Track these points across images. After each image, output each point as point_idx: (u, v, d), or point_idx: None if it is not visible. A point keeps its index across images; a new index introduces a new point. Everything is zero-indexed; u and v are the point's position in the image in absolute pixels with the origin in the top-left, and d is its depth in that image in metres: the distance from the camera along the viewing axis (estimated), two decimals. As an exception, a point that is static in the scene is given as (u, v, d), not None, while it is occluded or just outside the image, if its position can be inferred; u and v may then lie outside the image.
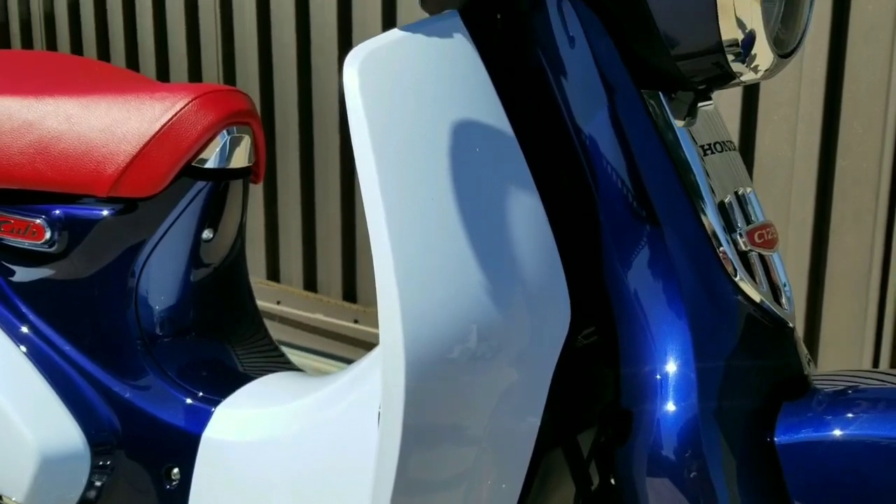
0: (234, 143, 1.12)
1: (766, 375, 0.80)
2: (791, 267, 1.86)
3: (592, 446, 0.91)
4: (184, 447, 1.06)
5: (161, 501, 1.09)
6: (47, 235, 1.12)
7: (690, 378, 0.77)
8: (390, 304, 0.75)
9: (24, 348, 1.16)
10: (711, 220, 0.80)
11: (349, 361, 2.40)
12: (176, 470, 1.07)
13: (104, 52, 2.95)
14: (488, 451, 0.81)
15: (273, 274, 2.65)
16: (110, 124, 1.09)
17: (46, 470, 1.09)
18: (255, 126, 1.14)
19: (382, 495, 0.79)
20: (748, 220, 0.83)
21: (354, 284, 2.52)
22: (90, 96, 1.12)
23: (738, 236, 0.81)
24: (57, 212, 1.11)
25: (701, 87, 0.83)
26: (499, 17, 0.84)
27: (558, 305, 0.82)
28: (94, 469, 1.12)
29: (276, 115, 2.55)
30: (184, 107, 1.08)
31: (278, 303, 2.57)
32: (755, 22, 0.76)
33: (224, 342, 1.20)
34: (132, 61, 2.88)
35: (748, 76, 0.80)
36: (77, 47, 3.02)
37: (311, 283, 2.59)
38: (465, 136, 0.79)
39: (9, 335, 1.17)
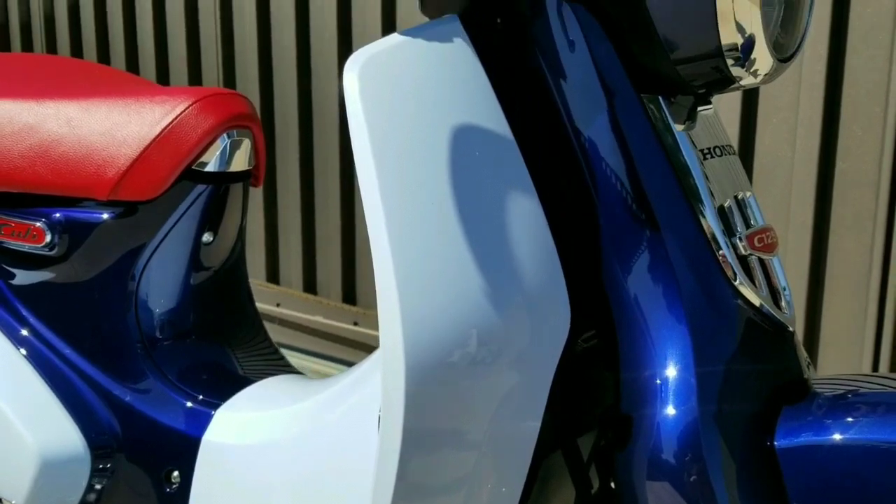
0: (235, 146, 1.12)
1: (766, 379, 0.80)
2: (791, 269, 1.86)
3: (592, 450, 0.91)
4: (184, 450, 1.06)
5: (161, 505, 1.09)
6: (48, 239, 1.12)
7: (690, 382, 0.77)
8: (390, 308, 0.75)
9: (24, 351, 1.16)
10: (711, 223, 0.80)
11: (349, 364, 2.41)
12: (176, 473, 1.07)
13: (104, 55, 2.96)
14: (488, 454, 0.81)
15: (273, 276, 2.65)
16: (111, 128, 1.09)
17: (46, 473, 1.09)
18: (256, 129, 1.14)
19: (383, 499, 0.79)
20: (748, 224, 0.83)
21: (354, 287, 2.52)
22: (91, 100, 1.12)
23: (738, 240, 0.81)
24: (57, 215, 1.12)
25: (700, 92, 0.83)
26: (498, 21, 0.84)
27: (558, 309, 0.82)
28: (94, 472, 1.12)
29: (275, 118, 2.55)
30: (184, 110, 1.08)
31: (278, 305, 2.57)
32: (755, 26, 0.76)
33: (224, 345, 1.20)
34: (132, 64, 2.88)
35: (748, 80, 0.80)
36: (77, 50, 3.02)
37: (310, 286, 2.59)
38: (464, 140, 0.79)
39: (9, 338, 1.17)
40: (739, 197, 0.84)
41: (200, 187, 1.12)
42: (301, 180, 2.53)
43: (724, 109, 1.86)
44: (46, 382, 1.14)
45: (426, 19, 0.85)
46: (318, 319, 2.50)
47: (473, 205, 0.78)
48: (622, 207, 0.80)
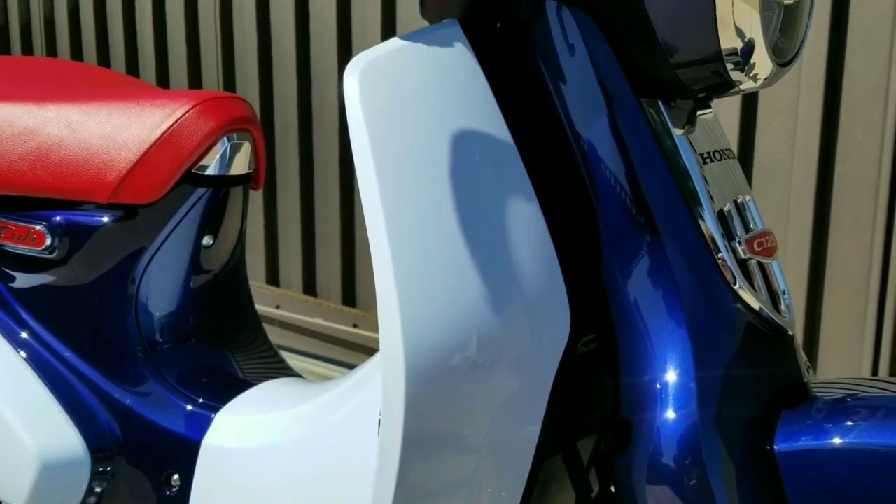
0: (235, 149, 1.12)
1: (766, 383, 0.80)
2: (790, 271, 1.86)
3: (592, 454, 0.91)
4: (184, 453, 1.06)
5: (161, 508, 1.09)
6: (48, 242, 1.12)
7: (690, 386, 0.77)
8: (390, 312, 0.75)
9: (24, 354, 1.16)
10: (710, 227, 0.80)
11: (348, 366, 2.41)
12: (176, 476, 1.07)
13: (104, 58, 2.96)
14: (488, 458, 0.81)
15: (272, 278, 2.65)
16: (111, 131, 1.09)
17: (46, 476, 1.09)
18: (256, 133, 1.14)
19: (383, 502, 0.79)
20: (747, 228, 0.83)
21: (354, 289, 2.52)
22: (91, 103, 1.12)
23: (738, 244, 0.81)
24: (57, 218, 1.12)
25: (700, 96, 0.83)
26: (498, 25, 0.84)
27: (558, 313, 0.82)
28: (95, 475, 1.12)
29: (275, 121, 2.55)
30: (184, 114, 1.08)
31: (277, 307, 2.57)
32: (754, 31, 0.76)
33: (224, 348, 1.20)
34: (132, 67, 2.88)
35: (747, 85, 0.80)
36: (77, 52, 3.02)
37: (310, 288, 2.59)
38: (464, 144, 0.79)
39: (9, 341, 1.17)
40: (739, 201, 0.84)
41: (200, 190, 1.12)
42: (301, 183, 2.53)
43: (723, 112, 1.86)
44: (47, 385, 1.14)
45: (426, 23, 0.85)
46: (318, 321, 2.50)
47: (473, 209, 0.79)
48: (622, 211, 0.81)
